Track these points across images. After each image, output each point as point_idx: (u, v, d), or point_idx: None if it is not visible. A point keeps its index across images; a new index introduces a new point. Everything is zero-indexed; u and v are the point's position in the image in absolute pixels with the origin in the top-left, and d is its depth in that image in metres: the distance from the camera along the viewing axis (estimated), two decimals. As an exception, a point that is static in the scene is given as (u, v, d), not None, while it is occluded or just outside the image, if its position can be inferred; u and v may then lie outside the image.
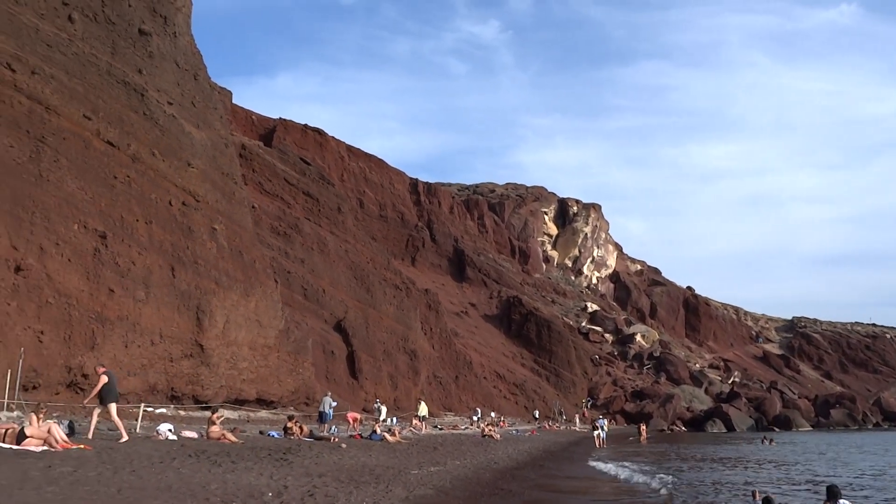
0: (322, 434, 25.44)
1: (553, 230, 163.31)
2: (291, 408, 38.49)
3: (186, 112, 35.94)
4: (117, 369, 27.51)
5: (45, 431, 13.68)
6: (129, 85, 32.46)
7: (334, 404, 31.11)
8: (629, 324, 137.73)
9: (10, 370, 22.55)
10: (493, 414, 64.63)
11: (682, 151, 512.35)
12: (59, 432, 14.12)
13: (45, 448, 13.28)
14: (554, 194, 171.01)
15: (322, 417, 29.20)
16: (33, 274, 25.66)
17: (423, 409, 41.54)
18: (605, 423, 51.03)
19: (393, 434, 28.07)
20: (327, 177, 78.18)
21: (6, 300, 24.01)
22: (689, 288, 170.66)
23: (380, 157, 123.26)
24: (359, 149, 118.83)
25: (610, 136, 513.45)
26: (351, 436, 28.12)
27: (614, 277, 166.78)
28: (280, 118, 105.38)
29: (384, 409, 41.17)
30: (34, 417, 13.93)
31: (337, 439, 24.43)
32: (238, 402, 34.30)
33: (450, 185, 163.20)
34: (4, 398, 21.52)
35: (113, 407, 16.79)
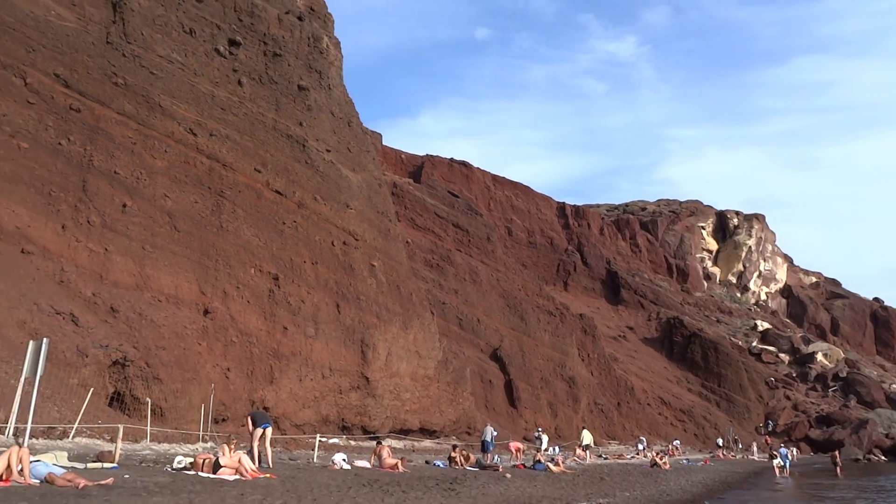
0: (487, 463, 25.49)
1: (713, 245, 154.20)
2: (454, 437, 39.00)
3: (343, 157, 38.27)
4: (292, 402, 29.44)
5: (236, 461, 14.88)
6: (292, 137, 35.18)
7: (496, 434, 31.10)
8: (807, 342, 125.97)
9: (203, 404, 24.84)
10: (675, 442, 61.26)
11: (849, 150, 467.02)
12: (249, 462, 15.31)
13: (237, 477, 14.43)
14: (711, 207, 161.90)
15: (485, 447, 29.29)
16: (219, 316, 28.27)
17: (587, 438, 40.36)
18: (788, 452, 46.71)
19: (557, 464, 27.52)
20: (475, 207, 79.57)
21: (198, 341, 26.58)
22: (876, 299, 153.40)
23: (525, 183, 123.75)
24: (504, 177, 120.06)
25: (767, 141, 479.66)
26: (514, 465, 27.91)
27: (786, 292, 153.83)
28: (427, 154, 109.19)
29: (545, 438, 40.50)
30: (226, 448, 15.21)
31: (502, 469, 24.36)
32: (403, 432, 35.33)
33: (598, 206, 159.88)
34: (200, 430, 23.69)
35: (259, 431, 17.73)
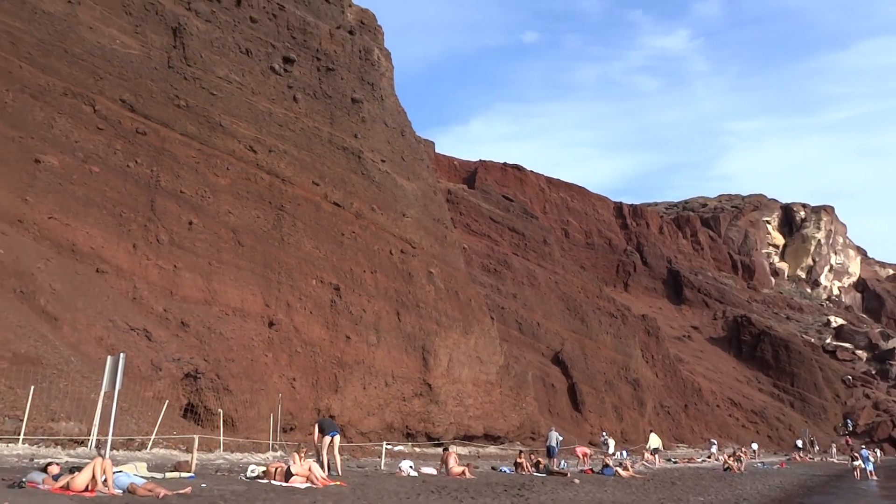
0: (554, 469, 25.18)
1: (779, 240, 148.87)
2: (518, 443, 38.72)
3: (397, 167, 38.65)
4: (357, 410, 29.78)
5: (307, 469, 15.12)
6: (348, 149, 35.74)
7: (560, 438, 30.72)
8: (886, 337, 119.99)
9: (271, 414, 25.39)
10: (753, 446, 59.21)
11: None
12: (319, 470, 15.54)
13: (309, 485, 14.66)
14: (775, 201, 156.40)
15: (550, 452, 28.96)
16: (283, 327, 28.88)
17: (655, 441, 39.43)
18: (870, 453, 44.51)
19: (626, 468, 26.96)
20: (530, 211, 79.10)
21: (264, 352, 27.21)
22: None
23: (580, 184, 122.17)
24: (558, 179, 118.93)
25: (832, 130, 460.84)
26: (582, 470, 27.49)
27: (860, 286, 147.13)
28: (479, 160, 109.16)
29: (612, 442, 39.78)
30: (297, 457, 15.47)
31: (569, 474, 24.03)
32: (467, 438, 35.28)
33: (656, 204, 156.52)
34: (269, 439, 24.20)
35: (327, 439, 18.00)
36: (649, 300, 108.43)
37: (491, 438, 37.52)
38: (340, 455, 18.92)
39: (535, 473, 23.69)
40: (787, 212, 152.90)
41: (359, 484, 15.80)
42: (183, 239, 28.41)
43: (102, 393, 17.14)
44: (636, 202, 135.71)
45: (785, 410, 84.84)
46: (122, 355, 16.47)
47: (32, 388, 17.39)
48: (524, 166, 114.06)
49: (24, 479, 11.22)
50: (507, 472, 24.09)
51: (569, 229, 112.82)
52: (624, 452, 41.03)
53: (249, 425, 24.53)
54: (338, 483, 15.47)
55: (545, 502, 15.18)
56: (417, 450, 30.91)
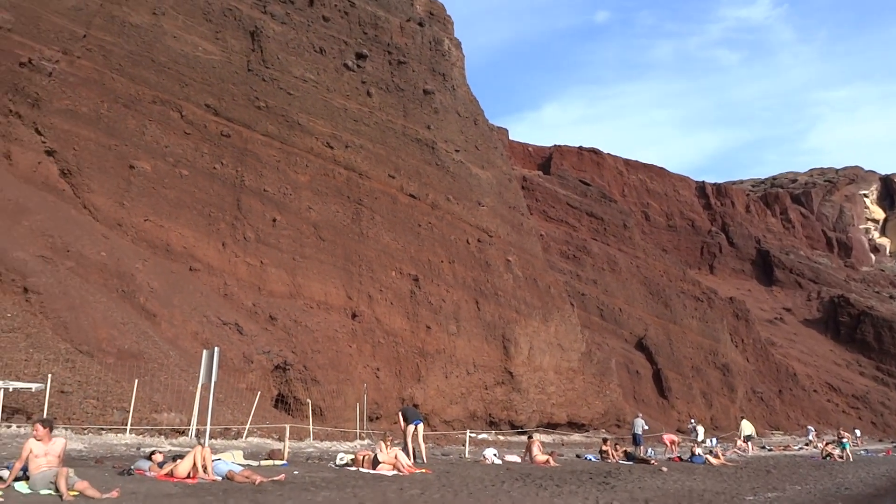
0: (640, 456, 24.73)
1: (879, 214, 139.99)
2: (602, 430, 38.24)
3: (471, 156, 38.66)
4: (440, 398, 30.14)
5: (393, 457, 15.47)
6: (421, 141, 36.03)
7: (647, 426, 30.10)
8: None
9: (357, 404, 26.06)
10: (857, 432, 56.22)
11: None
12: (405, 458, 15.87)
13: (395, 472, 14.99)
14: (873, 173, 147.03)
15: (636, 440, 28.44)
16: (366, 319, 29.54)
17: (748, 428, 38.01)
18: None
19: (716, 456, 26.16)
20: (608, 194, 77.47)
21: (348, 343, 27.94)
22: None
23: (660, 165, 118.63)
24: (636, 161, 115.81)
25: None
26: (669, 458, 26.87)
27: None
28: (554, 145, 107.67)
29: (701, 430, 38.63)
30: (383, 445, 15.85)
31: (656, 462, 23.54)
32: (550, 426, 35.11)
33: (741, 182, 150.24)
34: (356, 428, 24.86)
35: (412, 428, 18.29)
36: (737, 282, 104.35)
37: (575, 426, 37.20)
38: (425, 443, 19.23)
39: (620, 462, 23.35)
40: (888, 184, 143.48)
41: (444, 471, 16.03)
42: (268, 236, 29.46)
43: (200, 385, 18.07)
44: (720, 181, 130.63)
45: (890, 395, 79.98)
46: (216, 349, 17.29)
47: (136, 381, 18.51)
48: (601, 149, 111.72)
49: (132, 467, 11.99)
50: (592, 459, 23.85)
51: (649, 212, 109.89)
52: (714, 440, 39.80)
53: (337, 414, 25.27)
54: (423, 471, 15.75)
55: (632, 490, 14.95)
56: (501, 438, 31.03)
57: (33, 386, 16.31)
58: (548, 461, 20.02)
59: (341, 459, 16.03)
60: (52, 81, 28.81)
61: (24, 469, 9.73)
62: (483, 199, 37.38)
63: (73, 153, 28.06)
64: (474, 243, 35.58)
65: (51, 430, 10.13)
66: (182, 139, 30.00)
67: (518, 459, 20.81)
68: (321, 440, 22.43)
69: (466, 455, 21.90)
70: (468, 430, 25.71)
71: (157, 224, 27.77)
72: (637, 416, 30.68)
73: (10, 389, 15.85)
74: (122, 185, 27.92)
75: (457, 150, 37.56)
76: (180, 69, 31.04)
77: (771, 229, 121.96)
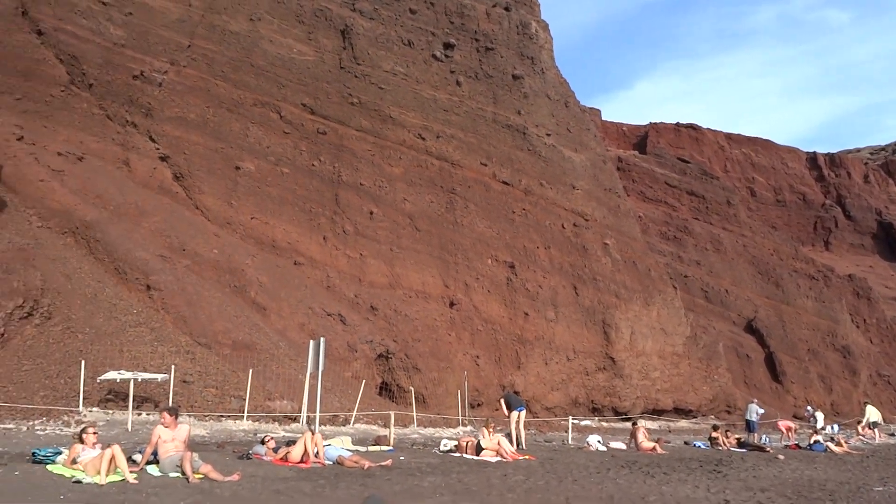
0: (754, 443, 23.66)
1: None
2: (711, 416, 36.86)
3: (563, 139, 38.05)
4: (541, 385, 30.02)
5: (496, 444, 15.57)
6: (512, 127, 35.79)
7: (761, 412, 28.74)
8: None
9: (458, 391, 26.37)
10: None
11: None
12: (507, 444, 15.94)
13: (499, 458, 15.09)
14: None
15: (749, 426, 27.22)
16: (463, 307, 29.79)
17: (873, 414, 35.47)
18: None
19: (839, 444, 24.63)
20: (709, 171, 74.19)
21: (447, 331, 28.29)
22: None
23: (765, 137, 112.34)
24: (739, 134, 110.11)
25: None
26: (786, 446, 25.54)
27: None
28: (650, 123, 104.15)
29: (821, 416, 36.44)
30: (485, 431, 15.98)
31: (771, 450, 22.45)
32: (656, 413, 34.21)
33: (858, 150, 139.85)
34: (458, 415, 25.18)
35: (515, 415, 18.29)
36: (856, 258, 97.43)
37: (681, 412, 36.06)
38: (526, 430, 19.23)
39: (732, 449, 22.43)
40: None
41: (547, 458, 15.97)
42: (366, 228, 30.24)
43: (308, 374, 18.83)
44: (833, 150, 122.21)
45: None
46: (322, 339, 17.95)
47: (251, 371, 19.53)
48: (699, 125, 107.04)
49: (250, 452, 12.69)
50: (702, 447, 23.04)
51: (755, 187, 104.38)
52: (835, 426, 37.50)
53: (439, 401, 25.69)
54: (526, 457, 15.75)
55: (745, 479, 14.34)
56: (605, 424, 30.55)
57: (159, 377, 17.55)
58: (654, 448, 19.53)
59: (445, 445, 16.29)
60: (163, 91, 30.69)
61: (154, 453, 10.50)
62: (577, 182, 36.73)
63: (183, 157, 29.83)
64: (570, 228, 35.06)
65: (176, 417, 10.86)
66: (282, 138, 31.23)
67: (623, 446, 20.42)
68: (425, 427, 22.88)
69: (569, 442, 21.71)
70: (570, 417, 25.48)
71: (262, 221, 29.10)
72: (751, 402, 29.36)
73: (140, 380, 17.13)
74: (230, 186, 29.43)
75: (548, 134, 37.06)
76: (277, 71, 32.27)
77: (894, 200, 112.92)
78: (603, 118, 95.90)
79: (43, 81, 29.89)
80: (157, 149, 30.12)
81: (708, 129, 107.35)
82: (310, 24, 34.00)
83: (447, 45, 36.35)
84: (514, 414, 18.35)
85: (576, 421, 26.85)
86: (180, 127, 30.40)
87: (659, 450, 19.56)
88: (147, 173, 29.30)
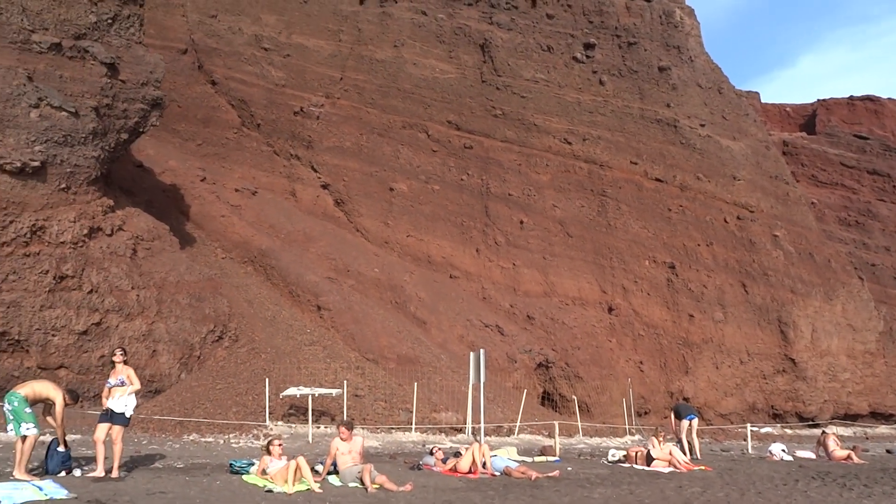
0: (973, 452, 20.75)
1: None
2: (918, 420, 32.83)
3: (719, 128, 35.91)
4: (712, 391, 28.38)
5: (667, 454, 14.91)
6: (662, 121, 34.37)
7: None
8: None
9: (623, 399, 25.61)
10: None
11: None
12: (680, 454, 15.19)
13: (671, 469, 14.44)
14: None
15: (966, 431, 23.92)
16: (622, 311, 28.94)
17: None
18: None
19: None
20: (894, 146, 66.50)
21: (607, 338, 27.61)
22: None
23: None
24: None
25: None
26: None
27: None
28: (818, 100, 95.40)
29: None
30: (655, 441, 15.35)
31: None
32: (848, 418, 31.08)
33: None
34: (625, 424, 24.44)
35: (685, 423, 17.38)
36: None
37: (879, 417, 32.45)
38: (699, 438, 18.26)
39: (947, 457, 19.80)
40: None
41: (725, 469, 15.04)
42: (517, 238, 30.36)
43: (470, 385, 19.20)
44: None
45: None
46: (481, 350, 18.22)
47: (416, 384, 20.25)
48: (877, 95, 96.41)
49: (420, 463, 13.15)
50: (908, 455, 20.57)
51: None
52: None
53: (603, 410, 25.11)
54: (702, 467, 14.94)
55: (968, 493, 12.60)
56: (788, 431, 28.22)
57: (333, 391, 18.71)
58: (849, 457, 17.72)
59: (613, 456, 15.87)
60: (320, 123, 32.93)
61: (333, 464, 11.20)
62: (738, 172, 34.45)
63: (342, 184, 31.75)
64: (733, 222, 32.93)
65: (351, 430, 11.51)
66: (430, 157, 32.27)
67: (811, 455, 18.75)
68: (590, 436, 22.44)
69: (749, 451, 20.30)
70: (748, 424, 23.80)
71: (417, 238, 30.20)
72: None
73: (317, 395, 18.36)
74: (385, 207, 30.87)
75: (702, 125, 35.14)
76: (422, 92, 33.44)
77: None
78: (762, 101, 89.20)
79: (219, 126, 33.24)
80: (319, 178, 32.34)
81: (889, 98, 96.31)
82: (450, 43, 34.91)
83: (587, 46, 35.72)
84: (685, 423, 17.50)
85: (755, 428, 25.06)
86: (338, 155, 32.42)
87: (855, 459, 17.73)
88: (311, 201, 31.52)
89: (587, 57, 35.52)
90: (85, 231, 19.16)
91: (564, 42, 35.66)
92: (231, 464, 11.72)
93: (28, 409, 9.92)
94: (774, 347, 30.16)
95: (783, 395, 29.69)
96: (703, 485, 12.36)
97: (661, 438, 15.37)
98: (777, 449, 18.30)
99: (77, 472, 10.49)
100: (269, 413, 18.25)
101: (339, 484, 10.85)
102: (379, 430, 18.87)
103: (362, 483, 10.45)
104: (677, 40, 37.59)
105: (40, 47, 19.05)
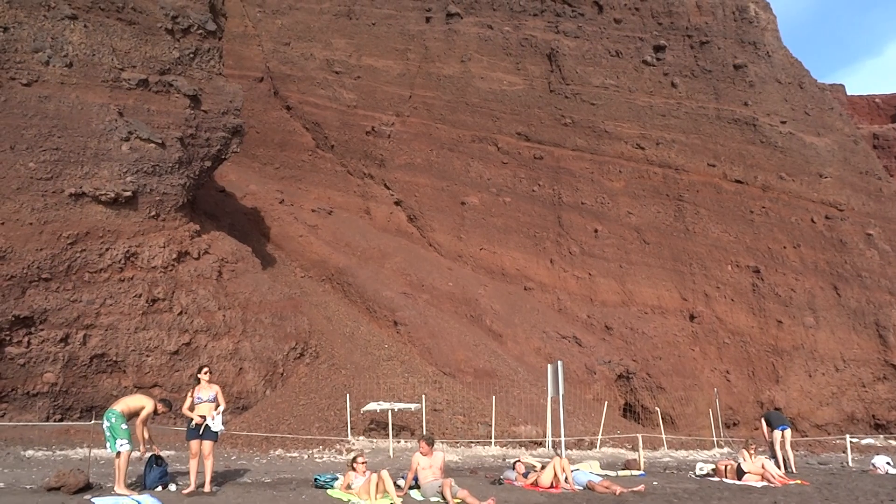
0: None
1: None
2: None
3: (802, 124, 34.36)
4: (806, 400, 26.99)
5: (759, 467, 14.26)
6: (739, 120, 33.19)
7: None
8: None
9: (710, 410, 24.68)
10: None
11: None
12: (773, 468, 14.50)
13: (765, 483, 13.79)
14: None
15: None
16: (705, 319, 27.97)
17: None
18: None
19: None
20: None
21: (690, 347, 26.73)
22: None
23: None
24: None
25: None
26: None
27: None
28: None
29: None
30: (746, 453, 14.72)
31: None
32: (961, 427, 28.84)
33: None
34: (713, 436, 23.54)
35: (778, 434, 16.61)
36: None
37: None
38: (794, 451, 17.39)
39: None
40: None
41: (824, 483, 14.24)
42: (592, 247, 29.89)
43: (549, 398, 18.97)
44: None
45: None
46: (559, 362, 18.02)
47: (494, 397, 20.18)
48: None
49: (501, 477, 13.07)
50: None
51: None
52: None
53: (688, 422, 24.28)
54: (798, 481, 14.20)
55: None
56: (893, 443, 26.44)
57: (412, 406, 18.87)
58: (965, 471, 16.45)
59: (701, 469, 15.32)
60: (391, 142, 33.53)
61: (415, 479, 11.29)
62: (824, 169, 32.81)
63: (415, 200, 32.16)
64: (821, 221, 31.34)
65: (432, 445, 11.58)
66: (501, 169, 32.26)
67: (922, 469, 17.50)
68: (676, 449, 21.72)
69: (849, 463, 19.15)
70: (848, 435, 22.46)
71: (490, 251, 30.18)
72: None
73: (396, 410, 18.56)
74: (457, 221, 31.04)
75: (783, 122, 33.71)
76: (490, 106, 33.55)
77: None
78: (848, 93, 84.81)
79: (295, 149, 34.37)
80: (392, 195, 32.89)
81: None
82: (517, 55, 34.92)
83: (657, 48, 34.97)
84: (777, 433, 16.71)
85: (855, 440, 23.63)
86: (409, 172, 32.91)
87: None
88: (385, 218, 32.07)
89: (657, 59, 34.76)
90: (174, 255, 20.13)
91: (633, 46, 35.04)
92: (316, 478, 11.99)
93: (124, 426, 10.45)
94: (873, 353, 28.41)
95: (886, 404, 27.88)
96: (799, 500, 11.76)
97: (752, 451, 14.73)
98: (881, 462, 17.19)
99: (172, 487, 10.98)
100: (351, 428, 18.57)
101: (421, 498, 10.92)
102: (458, 445, 18.88)
103: (443, 497, 10.48)
104: (752, 36, 36.28)
105: (129, 84, 20.25)
